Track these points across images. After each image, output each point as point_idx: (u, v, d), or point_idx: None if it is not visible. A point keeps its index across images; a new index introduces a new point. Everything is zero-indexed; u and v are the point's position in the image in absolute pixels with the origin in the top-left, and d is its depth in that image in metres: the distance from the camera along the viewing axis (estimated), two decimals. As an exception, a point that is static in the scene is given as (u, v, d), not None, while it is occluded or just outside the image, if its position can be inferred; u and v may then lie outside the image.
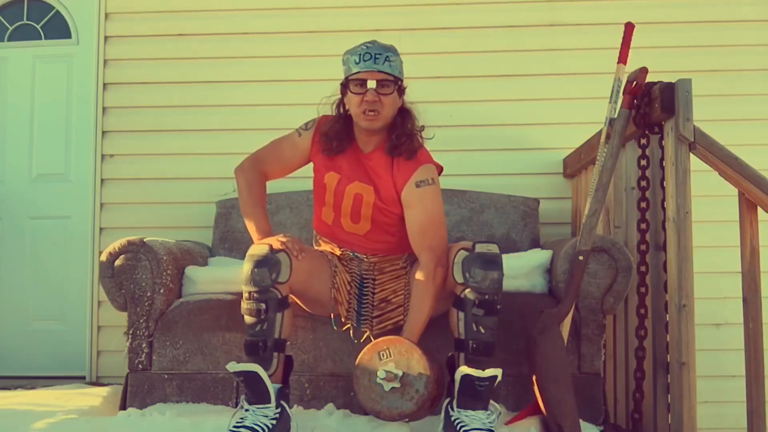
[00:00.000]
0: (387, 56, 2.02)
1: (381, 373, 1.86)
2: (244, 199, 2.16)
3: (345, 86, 2.08)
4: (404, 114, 2.12)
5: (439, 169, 2.16)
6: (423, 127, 2.15)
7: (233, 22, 3.35)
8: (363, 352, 1.92)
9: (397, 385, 1.87)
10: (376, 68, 2.01)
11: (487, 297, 1.92)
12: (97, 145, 3.33)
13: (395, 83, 2.05)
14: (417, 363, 1.87)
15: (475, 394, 1.89)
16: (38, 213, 3.41)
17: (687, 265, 2.06)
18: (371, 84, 2.00)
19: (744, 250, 2.14)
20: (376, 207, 2.11)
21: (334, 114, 2.16)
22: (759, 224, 2.16)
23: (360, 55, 2.02)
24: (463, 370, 1.87)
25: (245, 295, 1.95)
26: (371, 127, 2.07)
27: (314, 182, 2.21)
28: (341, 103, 2.13)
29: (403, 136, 2.08)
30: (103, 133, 3.34)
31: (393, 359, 1.88)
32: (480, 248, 1.96)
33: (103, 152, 3.33)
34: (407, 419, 1.92)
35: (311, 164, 2.24)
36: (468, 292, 1.93)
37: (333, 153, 2.13)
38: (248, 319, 1.96)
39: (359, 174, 2.12)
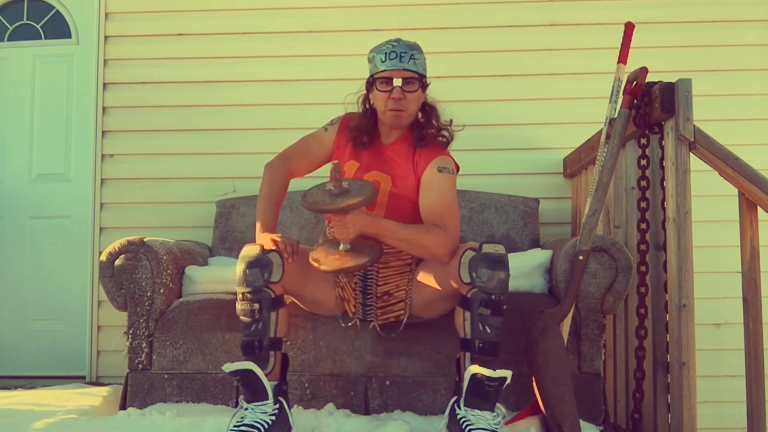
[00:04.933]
0: (412, 54, 2.08)
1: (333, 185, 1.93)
2: (263, 194, 2.19)
3: (371, 83, 2.14)
4: (428, 110, 2.19)
5: (456, 168, 2.19)
6: (451, 120, 2.21)
7: (233, 22, 3.35)
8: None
9: (336, 191, 1.92)
10: (402, 66, 2.07)
11: (493, 297, 1.93)
12: (97, 145, 3.33)
13: (420, 80, 2.11)
14: (366, 190, 1.95)
15: (483, 394, 1.89)
16: (38, 213, 3.41)
17: (687, 265, 2.06)
18: (397, 82, 2.07)
19: (744, 250, 2.14)
20: (392, 195, 2.14)
21: (359, 110, 2.22)
22: (759, 224, 2.16)
23: (386, 53, 2.08)
24: (474, 369, 1.87)
25: (239, 296, 1.98)
26: (397, 125, 2.15)
27: None
28: (366, 99, 2.19)
29: (429, 134, 2.14)
30: (103, 133, 3.34)
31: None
32: (487, 248, 1.97)
33: (103, 152, 3.33)
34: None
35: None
36: (474, 292, 1.93)
37: (363, 147, 2.18)
38: (243, 320, 1.98)
39: (378, 163, 2.17)
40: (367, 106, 2.20)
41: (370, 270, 2.18)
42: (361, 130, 2.18)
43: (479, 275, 1.93)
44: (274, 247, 2.00)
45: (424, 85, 2.15)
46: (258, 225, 2.13)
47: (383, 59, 2.08)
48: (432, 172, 2.11)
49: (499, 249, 1.98)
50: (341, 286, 2.17)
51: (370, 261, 1.98)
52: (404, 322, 2.14)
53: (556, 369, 2.01)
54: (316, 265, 1.99)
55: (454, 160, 2.18)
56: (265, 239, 2.04)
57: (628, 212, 2.40)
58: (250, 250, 2.00)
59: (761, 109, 3.22)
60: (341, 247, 1.99)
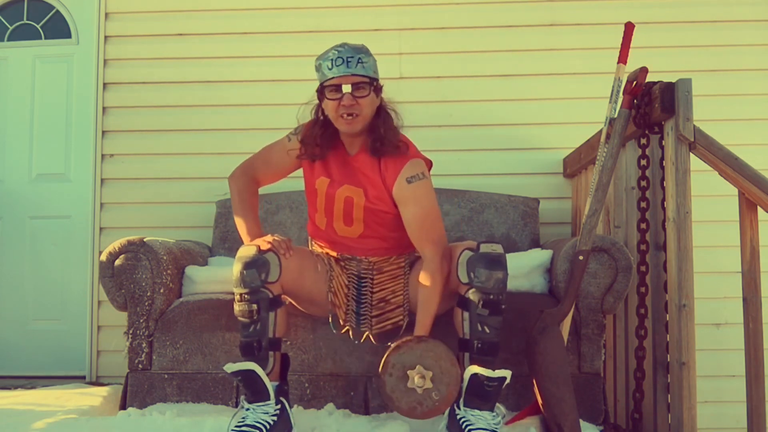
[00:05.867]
0: (359, 58, 1.99)
1: (418, 381, 1.87)
2: (236, 205, 2.18)
3: (321, 92, 2.06)
4: (381, 114, 2.09)
5: (429, 164, 2.14)
6: (401, 125, 2.12)
7: (233, 22, 3.35)
8: (389, 352, 1.90)
9: (429, 385, 1.87)
10: (350, 72, 1.97)
11: (491, 297, 1.92)
12: (97, 145, 3.33)
13: (371, 84, 2.02)
14: (446, 362, 1.87)
15: (483, 394, 1.89)
16: (38, 213, 3.41)
17: (687, 265, 2.06)
18: (346, 88, 1.98)
19: (744, 250, 2.14)
20: (366, 209, 2.10)
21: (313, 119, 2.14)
22: (759, 224, 2.16)
23: (332, 60, 1.98)
24: (473, 369, 1.87)
25: (237, 297, 1.97)
26: (351, 131, 2.06)
27: (306, 188, 2.20)
28: (319, 108, 2.11)
29: (381, 138, 2.05)
30: (103, 133, 3.34)
31: (422, 362, 1.88)
32: (485, 248, 1.96)
33: (103, 152, 3.33)
34: (429, 415, 1.91)
35: None
36: (472, 292, 1.93)
37: (317, 158, 2.12)
38: (242, 320, 1.98)
39: (348, 177, 2.11)
40: (320, 116, 2.11)
41: (364, 276, 2.17)
42: (312, 143, 2.10)
43: (477, 275, 1.92)
44: (269, 248, 1.99)
45: (376, 89, 2.05)
46: (243, 233, 2.12)
47: (330, 66, 1.98)
48: (402, 185, 2.04)
49: (497, 248, 1.97)
50: (333, 292, 2.14)
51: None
52: (403, 327, 2.11)
53: (556, 369, 2.01)
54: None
55: (422, 157, 2.11)
56: (258, 241, 2.03)
57: (628, 212, 2.40)
58: (246, 251, 1.99)
59: (761, 109, 3.22)
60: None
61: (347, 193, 2.10)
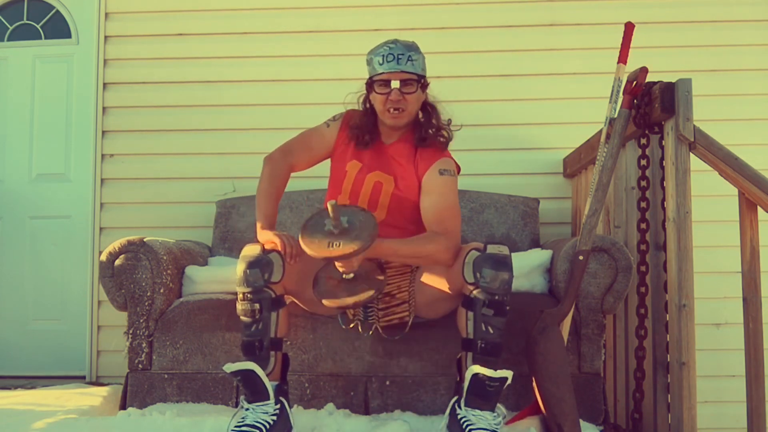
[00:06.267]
0: (409, 56, 2.08)
1: (330, 225, 1.88)
2: (263, 187, 2.18)
3: (370, 85, 2.15)
4: (429, 109, 2.19)
5: (458, 169, 2.20)
6: (450, 120, 2.21)
7: (233, 22, 3.35)
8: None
9: (337, 233, 1.87)
10: (399, 68, 2.07)
11: (497, 297, 1.93)
12: (97, 145, 3.33)
13: (418, 81, 2.11)
14: (368, 233, 1.89)
15: (484, 394, 1.89)
16: (38, 213, 3.41)
17: (687, 265, 2.06)
18: (395, 84, 2.06)
19: (744, 250, 2.14)
20: (394, 196, 2.15)
21: (360, 108, 2.23)
22: (759, 224, 2.16)
23: (383, 56, 2.08)
24: (475, 369, 1.88)
25: (239, 296, 1.99)
26: (397, 125, 2.14)
27: (332, 171, 2.25)
28: (367, 98, 2.20)
29: (430, 134, 2.14)
30: (103, 133, 3.34)
31: (350, 218, 1.91)
32: (491, 249, 1.98)
33: (103, 152, 3.33)
34: (319, 254, 1.89)
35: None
36: (478, 292, 1.94)
37: (363, 146, 2.18)
38: (244, 320, 1.98)
39: (381, 164, 2.17)
40: (368, 105, 2.20)
41: None
42: (362, 129, 2.18)
43: (483, 275, 1.93)
44: (274, 247, 2.00)
45: (423, 86, 2.14)
46: (259, 220, 2.13)
47: (381, 62, 2.08)
48: (433, 174, 2.11)
49: (503, 250, 1.99)
50: None
51: (374, 295, 1.96)
52: (409, 323, 2.13)
53: (556, 369, 2.01)
54: (318, 297, 1.99)
55: (455, 161, 2.19)
56: (266, 236, 2.04)
57: (628, 212, 2.41)
58: (250, 250, 2.00)
59: (761, 109, 3.22)
60: (344, 276, 1.97)
61: (377, 179, 2.16)
